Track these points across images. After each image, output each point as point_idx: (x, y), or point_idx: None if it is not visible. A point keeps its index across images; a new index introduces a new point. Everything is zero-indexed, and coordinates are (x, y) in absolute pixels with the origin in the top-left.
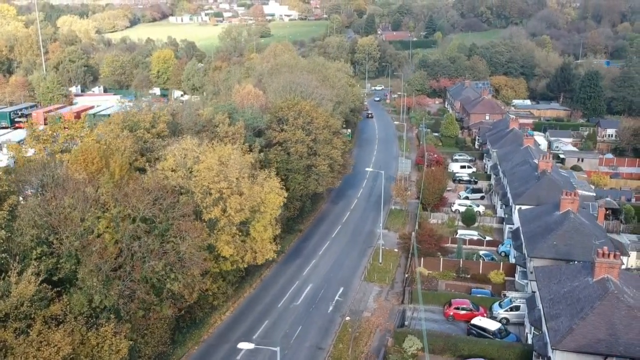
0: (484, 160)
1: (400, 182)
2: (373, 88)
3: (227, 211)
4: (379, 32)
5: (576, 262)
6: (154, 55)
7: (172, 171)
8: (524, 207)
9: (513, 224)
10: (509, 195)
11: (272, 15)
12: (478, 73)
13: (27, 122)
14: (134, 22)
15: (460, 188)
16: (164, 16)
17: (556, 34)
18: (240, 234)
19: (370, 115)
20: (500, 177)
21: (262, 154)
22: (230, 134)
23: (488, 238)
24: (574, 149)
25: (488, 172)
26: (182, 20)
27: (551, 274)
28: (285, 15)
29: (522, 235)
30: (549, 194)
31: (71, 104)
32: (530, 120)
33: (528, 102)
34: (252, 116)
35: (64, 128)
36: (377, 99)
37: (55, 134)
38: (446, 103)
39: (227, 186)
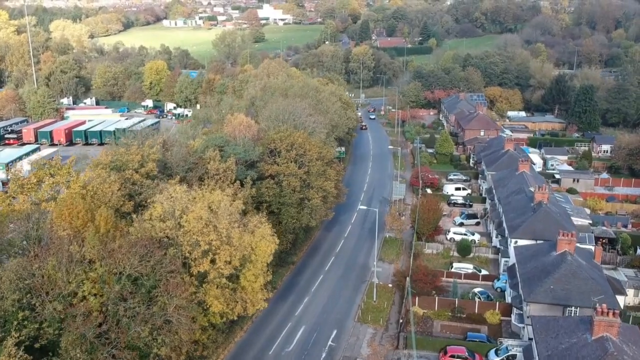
0: (479, 181)
1: (394, 213)
2: (367, 99)
3: (217, 263)
4: (373, 38)
5: (574, 307)
6: (146, 66)
7: (160, 221)
8: (520, 242)
9: (509, 257)
10: (504, 226)
11: (267, 19)
12: (473, 84)
13: (16, 138)
14: (127, 26)
15: (455, 213)
16: (158, 19)
17: (551, 41)
18: (230, 284)
19: (364, 127)
20: (495, 203)
21: (253, 188)
22: (221, 171)
23: (484, 272)
24: (570, 168)
25: (483, 195)
26: (175, 24)
27: (548, 326)
28: (279, 19)
29: (518, 275)
30: (545, 228)
31: (62, 118)
32: (524, 135)
33: (523, 113)
34: (244, 149)
35: (50, 175)
36: (373, 116)
37: (40, 181)
38: (440, 115)
39: (216, 238)
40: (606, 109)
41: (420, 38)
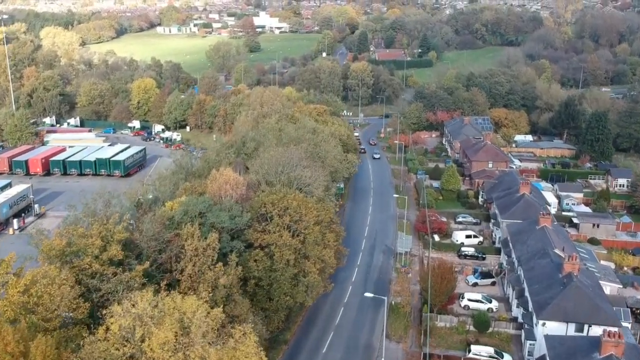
0: (490, 225)
1: (402, 281)
2: (366, 118)
3: None
4: (371, 49)
5: None
6: (134, 84)
7: (115, 349)
8: (549, 324)
9: (534, 340)
10: (528, 299)
11: (263, 27)
12: (477, 106)
13: None
14: (120, 32)
15: (467, 271)
16: (152, 26)
17: (554, 56)
18: None
19: (362, 151)
20: (513, 261)
21: (239, 266)
22: (200, 250)
23: (507, 357)
24: (587, 209)
25: (497, 244)
26: (169, 31)
27: None
28: (275, 27)
29: None
30: (578, 309)
31: (42, 142)
32: (534, 165)
33: (529, 137)
34: (229, 215)
35: None
36: (373, 142)
37: None
38: (444, 139)
39: None
40: (617, 134)
41: (419, 50)
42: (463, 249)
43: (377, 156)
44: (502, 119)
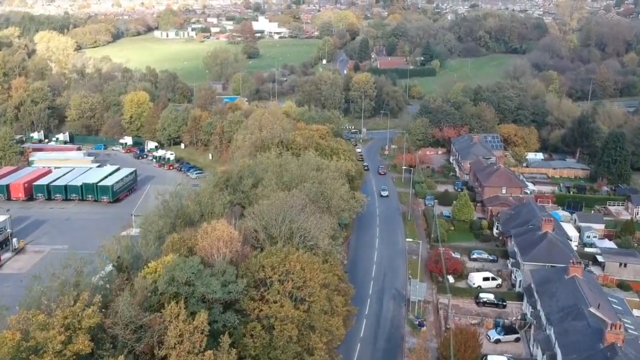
0: (509, 266)
1: (420, 349)
2: (369, 132)
3: None
4: (372, 57)
5: None
6: (126, 97)
7: None
8: None
9: None
10: None
11: (262, 32)
12: (485, 122)
13: None
14: (117, 37)
15: (488, 324)
16: (149, 29)
17: (560, 65)
18: None
19: (366, 168)
20: (539, 314)
21: (234, 349)
22: (186, 336)
23: None
24: (611, 244)
25: (517, 287)
26: (167, 36)
27: None
28: (275, 32)
29: None
30: None
31: (27, 162)
32: (548, 189)
33: (540, 155)
34: (221, 283)
35: None
36: (382, 171)
37: None
38: (451, 157)
39: None
40: (631, 152)
41: (422, 58)
42: (481, 295)
43: (385, 193)
44: (511, 136)
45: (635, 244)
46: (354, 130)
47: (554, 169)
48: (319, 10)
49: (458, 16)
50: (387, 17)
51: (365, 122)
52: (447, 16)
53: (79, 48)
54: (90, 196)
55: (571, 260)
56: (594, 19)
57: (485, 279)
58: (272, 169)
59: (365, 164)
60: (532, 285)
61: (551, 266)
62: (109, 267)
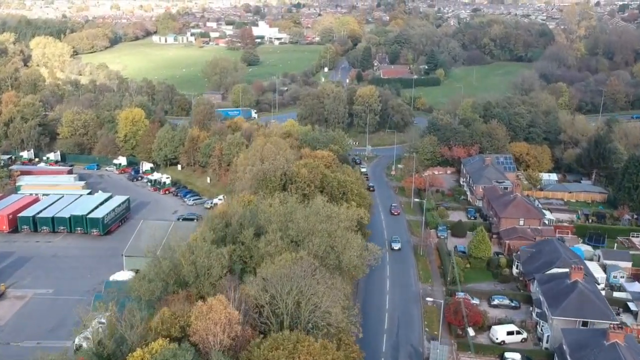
0: (534, 315)
1: None
2: (374, 149)
3: None
4: (375, 65)
5: None
6: (121, 114)
7: None
8: None
9: None
10: None
11: (262, 37)
12: (497, 141)
13: None
14: (114, 42)
15: None
16: (147, 34)
17: (569, 76)
18: None
19: (371, 189)
20: None
21: None
22: None
23: None
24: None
25: (545, 343)
26: (165, 41)
27: None
28: (275, 38)
29: None
30: None
31: (14, 186)
32: (566, 216)
33: (554, 176)
34: None
35: None
36: (396, 211)
37: None
38: (461, 179)
39: None
40: None
41: (426, 67)
42: (507, 355)
43: (396, 246)
44: (523, 155)
45: None
46: (358, 148)
47: (570, 192)
48: (319, 14)
49: (461, 21)
50: (388, 21)
51: (369, 137)
52: (449, 21)
53: (75, 53)
54: (79, 229)
55: (611, 324)
56: (600, 25)
57: (510, 332)
58: (276, 219)
59: (371, 184)
60: (565, 348)
61: (583, 322)
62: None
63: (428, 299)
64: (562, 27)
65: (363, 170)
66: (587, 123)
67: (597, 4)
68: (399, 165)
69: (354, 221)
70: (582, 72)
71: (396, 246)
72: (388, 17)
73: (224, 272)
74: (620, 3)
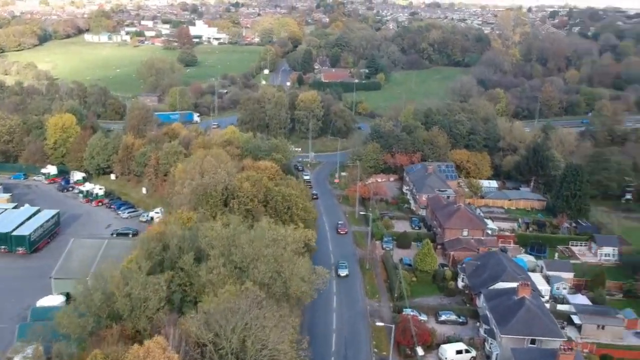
0: (481, 332)
1: None
2: (317, 155)
3: None
4: (316, 68)
5: None
6: (50, 120)
7: None
8: None
9: None
10: None
11: (199, 37)
12: (438, 148)
13: None
14: (44, 39)
15: None
16: (79, 32)
17: (505, 82)
18: None
19: (315, 197)
20: None
21: None
22: None
23: None
24: (584, 299)
25: None
26: (99, 39)
27: None
28: (214, 38)
29: None
30: None
31: None
32: (508, 225)
33: (494, 183)
34: None
35: None
36: (343, 229)
37: None
38: (404, 187)
39: None
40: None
41: (367, 71)
42: None
43: (343, 273)
44: (464, 162)
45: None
46: (301, 155)
47: (510, 200)
48: (258, 14)
49: (400, 25)
50: (328, 23)
51: (312, 142)
52: (388, 25)
53: (1, 51)
54: (3, 247)
55: (561, 346)
56: (533, 32)
57: (459, 352)
58: (218, 243)
59: (314, 192)
60: None
61: (532, 340)
62: None
63: (378, 323)
64: (497, 32)
65: (306, 177)
66: (523, 130)
67: (529, 9)
68: (343, 174)
69: (300, 243)
70: (517, 78)
71: (343, 273)
72: (328, 19)
73: (161, 304)
74: (551, 10)
